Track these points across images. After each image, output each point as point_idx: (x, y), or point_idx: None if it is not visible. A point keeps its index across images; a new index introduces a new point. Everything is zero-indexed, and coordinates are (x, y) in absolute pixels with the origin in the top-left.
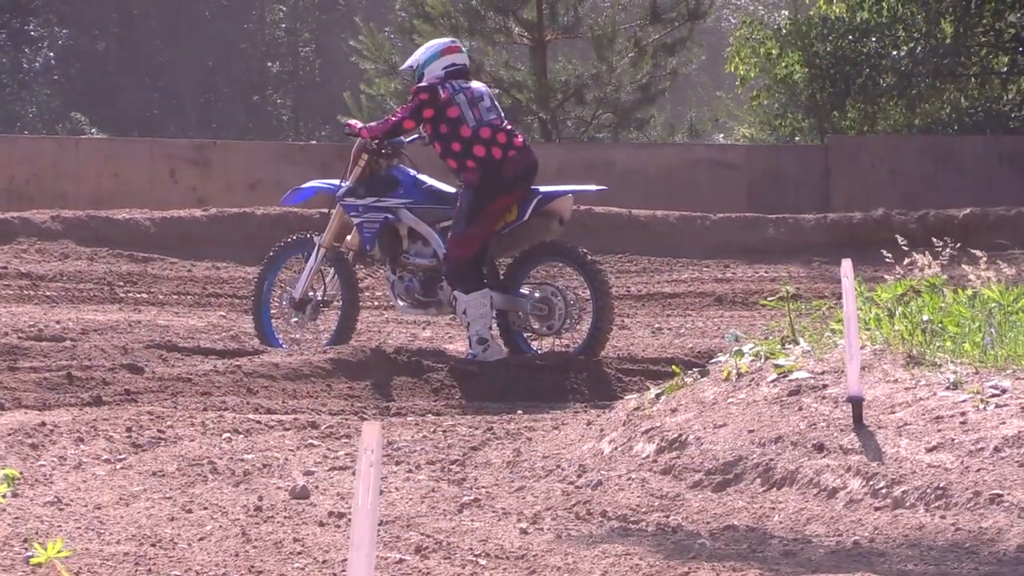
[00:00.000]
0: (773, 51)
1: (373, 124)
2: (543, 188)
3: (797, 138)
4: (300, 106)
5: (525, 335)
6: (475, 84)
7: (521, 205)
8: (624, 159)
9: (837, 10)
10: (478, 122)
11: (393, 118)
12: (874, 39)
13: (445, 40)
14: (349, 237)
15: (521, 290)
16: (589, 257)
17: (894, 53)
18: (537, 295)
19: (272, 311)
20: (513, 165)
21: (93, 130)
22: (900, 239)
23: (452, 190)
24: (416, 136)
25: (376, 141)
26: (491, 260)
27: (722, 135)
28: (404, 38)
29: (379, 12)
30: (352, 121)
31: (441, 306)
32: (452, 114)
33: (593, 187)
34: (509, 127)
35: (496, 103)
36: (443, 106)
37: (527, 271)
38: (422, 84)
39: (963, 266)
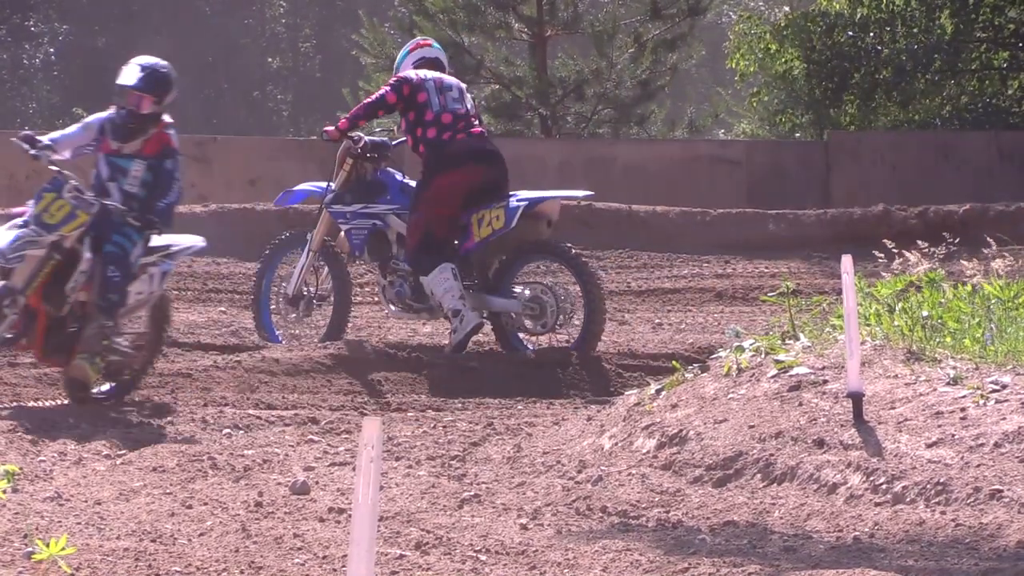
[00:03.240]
0: (772, 47)
1: (348, 113)
2: (528, 194)
3: (797, 134)
4: (300, 102)
5: (520, 334)
6: (448, 77)
7: (507, 213)
8: (624, 155)
9: (837, 5)
10: (442, 107)
11: (371, 98)
12: (873, 35)
13: (416, 39)
14: (341, 234)
15: (511, 290)
16: (575, 252)
17: (894, 48)
18: (528, 294)
19: (271, 307)
20: (457, 146)
21: None
22: (889, 243)
23: None
24: (403, 139)
25: (360, 145)
26: (481, 265)
27: (722, 131)
28: (404, 34)
29: (380, 8)
30: (328, 128)
31: (433, 311)
32: (420, 99)
33: (580, 193)
34: (473, 119)
35: (468, 98)
36: (414, 89)
37: (516, 271)
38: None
39: (962, 261)
